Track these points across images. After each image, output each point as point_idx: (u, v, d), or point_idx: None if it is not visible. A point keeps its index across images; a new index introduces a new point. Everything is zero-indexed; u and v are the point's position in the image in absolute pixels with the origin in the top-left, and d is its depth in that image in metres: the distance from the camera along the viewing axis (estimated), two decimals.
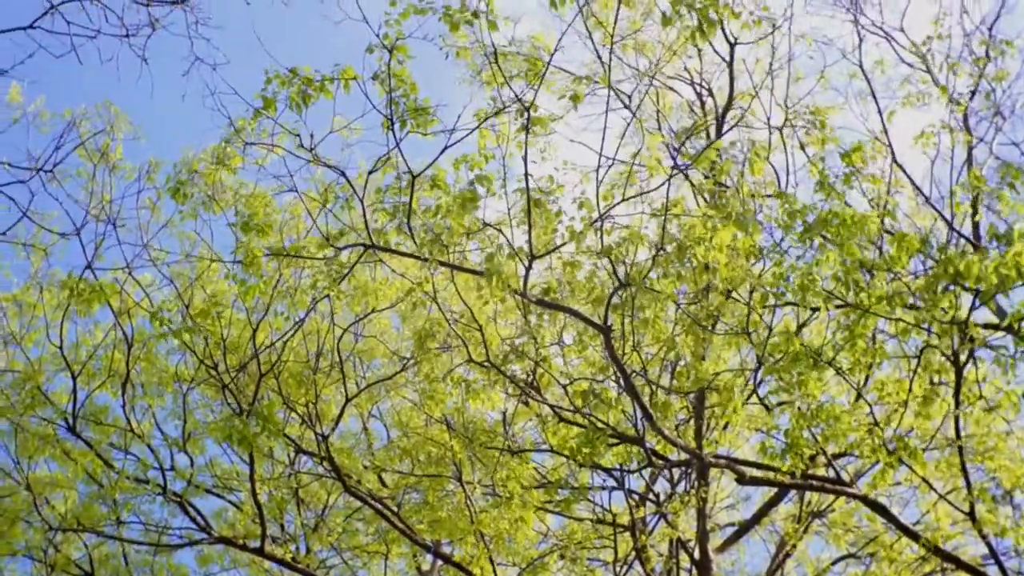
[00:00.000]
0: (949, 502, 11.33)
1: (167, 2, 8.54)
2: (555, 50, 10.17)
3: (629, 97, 12.19)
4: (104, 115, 13.65)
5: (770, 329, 10.29)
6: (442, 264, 11.04)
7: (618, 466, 13.62)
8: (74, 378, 14.42)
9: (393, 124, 10.35)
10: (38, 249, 13.84)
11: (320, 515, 15.91)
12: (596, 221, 10.47)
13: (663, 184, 10.39)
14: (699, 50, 14.28)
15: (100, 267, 13.41)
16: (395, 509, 14.53)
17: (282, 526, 15.98)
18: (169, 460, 14.72)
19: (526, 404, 14.47)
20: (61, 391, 15.19)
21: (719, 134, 13.10)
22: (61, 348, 14.41)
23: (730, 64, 13.98)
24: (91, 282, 13.07)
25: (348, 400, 14.46)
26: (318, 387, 14.27)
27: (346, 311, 14.96)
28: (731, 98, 13.95)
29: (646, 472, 15.84)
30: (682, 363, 12.56)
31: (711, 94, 14.79)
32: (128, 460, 14.95)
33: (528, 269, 10.72)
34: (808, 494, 15.46)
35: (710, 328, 11.06)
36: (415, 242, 10.74)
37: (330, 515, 15.97)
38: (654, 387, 11.39)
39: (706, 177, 11.41)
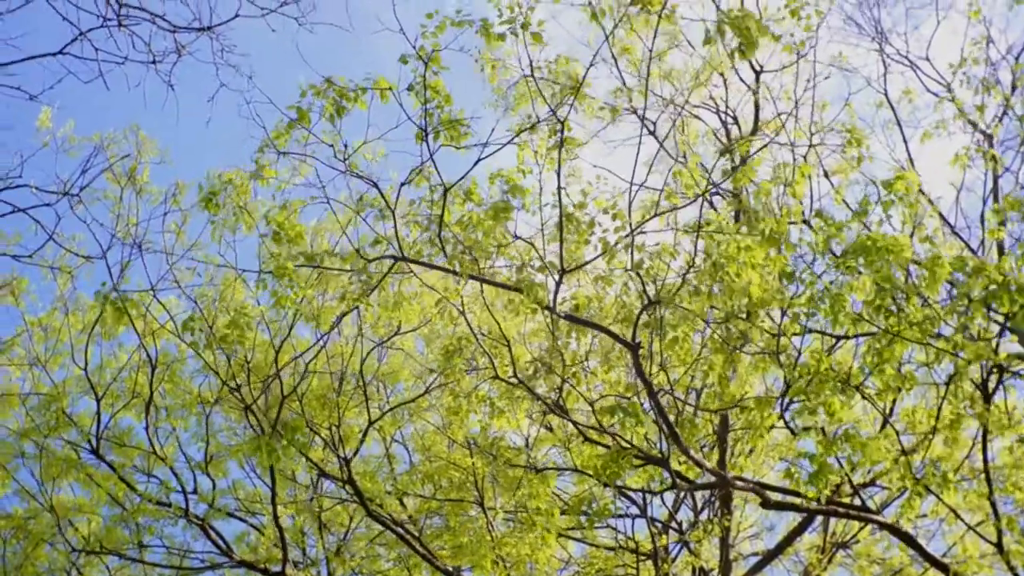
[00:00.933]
0: (978, 533, 11.20)
1: (193, 29, 8.61)
2: (591, 64, 10.20)
3: (654, 124, 12.22)
4: (131, 139, 13.77)
5: (799, 352, 10.23)
6: (472, 278, 11.02)
7: (642, 489, 13.53)
8: (98, 401, 14.48)
9: (427, 135, 10.39)
10: (64, 272, 13.89)
11: (342, 539, 15.87)
12: (628, 235, 10.44)
13: (697, 199, 10.37)
14: (724, 78, 14.31)
15: (125, 289, 13.51)
16: (417, 534, 14.48)
17: (304, 550, 15.96)
18: (192, 483, 14.76)
19: (550, 429, 14.42)
20: (85, 414, 15.24)
21: (744, 160, 13.09)
22: (85, 371, 14.47)
23: (756, 92, 14.00)
24: (121, 297, 13.14)
25: (371, 423, 14.45)
26: (341, 410, 14.26)
27: (370, 334, 14.96)
28: (756, 126, 13.96)
29: (669, 500, 15.75)
30: (707, 389, 12.50)
31: (736, 122, 14.80)
32: (151, 483, 15.00)
33: (558, 283, 10.70)
34: (833, 525, 15.33)
35: (739, 349, 11.00)
36: (446, 255, 10.73)
37: (352, 539, 15.94)
38: (681, 403, 11.35)
39: (734, 199, 11.38)
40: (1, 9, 8.07)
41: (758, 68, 13.90)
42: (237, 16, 8.55)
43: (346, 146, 10.67)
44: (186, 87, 8.94)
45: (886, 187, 9.65)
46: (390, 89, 10.27)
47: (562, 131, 10.40)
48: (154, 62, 8.61)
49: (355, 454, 14.54)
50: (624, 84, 12.07)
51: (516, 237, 10.94)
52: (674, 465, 11.52)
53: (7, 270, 14.66)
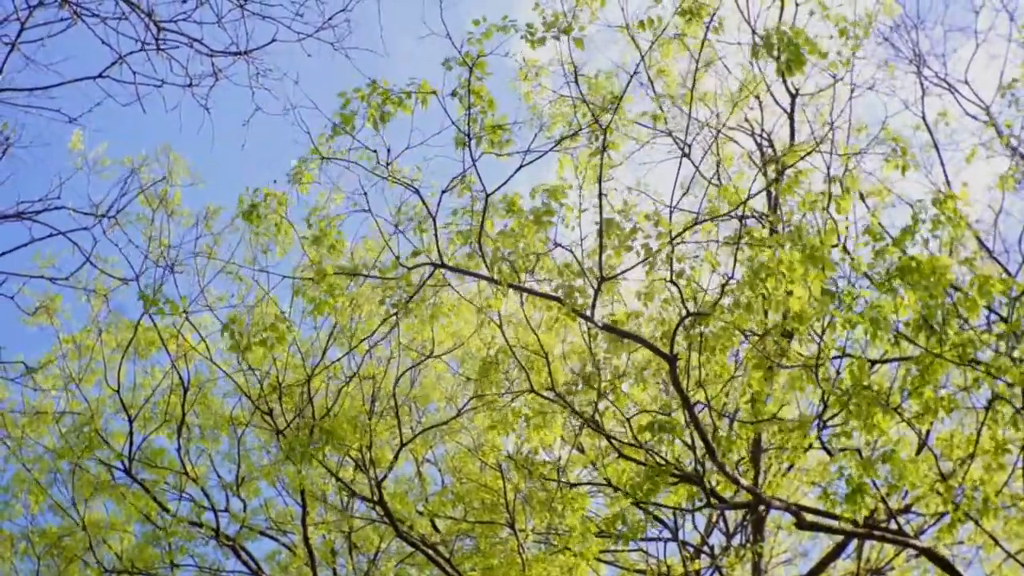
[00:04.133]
0: (1018, 561, 11.04)
1: (230, 53, 8.66)
2: (631, 77, 10.20)
3: (688, 146, 12.16)
4: (163, 162, 13.83)
5: (838, 372, 10.14)
6: (512, 287, 10.99)
7: (676, 507, 13.43)
8: (131, 421, 14.55)
9: (470, 141, 10.41)
10: (98, 293, 13.97)
11: (372, 560, 15.85)
12: (669, 243, 10.39)
13: (736, 208, 10.30)
14: (760, 101, 14.24)
15: (157, 310, 13.54)
16: (447, 556, 14.44)
17: (334, 570, 15.94)
18: (224, 502, 14.78)
19: (581, 451, 14.36)
20: (118, 433, 15.32)
21: (783, 171, 13.01)
22: (119, 391, 14.55)
23: (791, 115, 13.93)
24: (150, 324, 13.23)
25: (403, 444, 14.44)
26: (373, 431, 14.26)
27: (403, 355, 14.95)
28: (792, 148, 13.86)
29: (701, 524, 15.65)
30: (743, 407, 12.41)
31: (771, 144, 14.72)
32: (182, 503, 15.06)
33: (597, 291, 10.64)
34: (867, 551, 15.16)
35: (777, 365, 10.91)
36: (486, 263, 10.71)
37: (382, 560, 15.91)
38: (719, 417, 11.27)
39: (774, 213, 11.33)
40: (43, 35, 8.17)
41: (794, 91, 13.83)
42: (274, 40, 8.61)
43: (388, 151, 10.70)
44: (222, 110, 9.00)
45: (936, 205, 9.52)
46: (434, 93, 10.32)
47: (604, 137, 10.39)
48: (191, 85, 8.67)
49: (386, 475, 14.53)
50: (660, 106, 12.05)
51: (556, 244, 10.92)
52: (709, 482, 11.44)
53: (42, 291, 14.75)
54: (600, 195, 10.49)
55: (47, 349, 15.28)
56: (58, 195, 9.19)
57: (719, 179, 12.20)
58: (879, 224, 12.79)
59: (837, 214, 10.05)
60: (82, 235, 9.75)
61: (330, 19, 8.66)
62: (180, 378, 14.45)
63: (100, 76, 8.44)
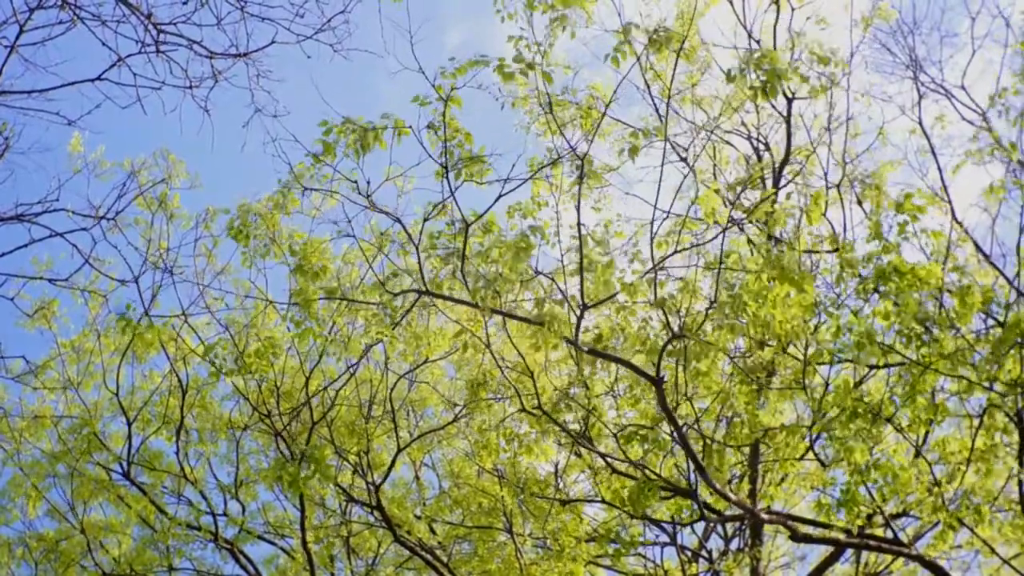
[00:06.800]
0: (1013, 567, 11.05)
1: (229, 55, 8.68)
2: (611, 100, 10.22)
3: (685, 150, 12.19)
4: (161, 164, 13.82)
5: (827, 384, 10.15)
6: (495, 312, 11.01)
7: (670, 521, 13.45)
8: (129, 424, 14.55)
9: (448, 173, 10.42)
10: (96, 296, 13.96)
11: (370, 564, 15.86)
12: (649, 272, 10.41)
13: (718, 236, 10.34)
14: (756, 105, 14.25)
15: (156, 313, 13.59)
16: (445, 560, 14.45)
17: (332, 574, 15.94)
18: (222, 506, 14.80)
19: (579, 455, 14.37)
20: (116, 436, 15.32)
21: (775, 188, 13.02)
22: (117, 394, 14.55)
23: (787, 119, 13.94)
24: (149, 323, 13.22)
25: (400, 449, 14.45)
26: (370, 436, 14.27)
27: (399, 360, 14.98)
28: (788, 153, 13.90)
29: (699, 528, 15.65)
30: (737, 418, 12.44)
31: (768, 148, 14.73)
32: (181, 506, 15.07)
33: (580, 318, 10.67)
34: (865, 555, 15.15)
35: (764, 381, 10.93)
36: (468, 288, 10.74)
37: (380, 564, 15.91)
38: (707, 440, 11.27)
39: (761, 228, 11.34)
40: (42, 37, 8.20)
41: (790, 95, 13.84)
42: (273, 43, 8.63)
43: (368, 182, 10.75)
44: (222, 112, 9.02)
45: (898, 208, 9.48)
46: (409, 128, 10.34)
47: (582, 168, 10.40)
48: (190, 87, 8.70)
49: (384, 480, 14.54)
50: (656, 111, 12.07)
51: (538, 272, 10.95)
52: (703, 494, 11.45)
53: (39, 294, 14.78)
54: (579, 224, 10.52)
55: (46, 352, 15.31)
56: (57, 197, 9.24)
57: (714, 178, 12.23)
58: (875, 227, 12.85)
59: (810, 224, 10.07)
60: (81, 237, 9.79)
61: (329, 20, 8.70)
62: (179, 381, 14.45)
63: (99, 78, 8.47)
